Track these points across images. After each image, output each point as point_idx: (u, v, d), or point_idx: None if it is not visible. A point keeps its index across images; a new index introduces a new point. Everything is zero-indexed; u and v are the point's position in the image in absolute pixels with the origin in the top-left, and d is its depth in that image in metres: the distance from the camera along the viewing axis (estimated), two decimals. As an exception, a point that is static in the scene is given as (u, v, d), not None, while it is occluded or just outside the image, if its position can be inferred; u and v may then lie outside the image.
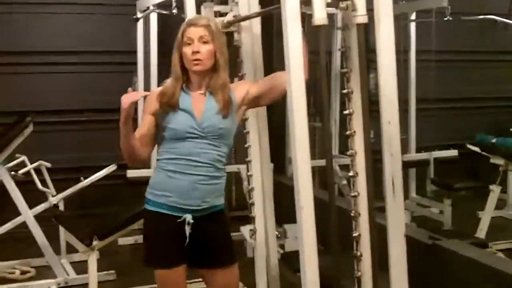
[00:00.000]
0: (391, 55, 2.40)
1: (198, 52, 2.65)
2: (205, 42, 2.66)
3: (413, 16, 5.88)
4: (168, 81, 2.75)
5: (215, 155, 2.70)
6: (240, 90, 2.81)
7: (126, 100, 2.52)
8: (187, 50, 2.67)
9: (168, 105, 2.68)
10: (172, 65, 2.75)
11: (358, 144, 2.46)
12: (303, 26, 2.38)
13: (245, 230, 3.62)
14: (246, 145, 3.42)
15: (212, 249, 2.77)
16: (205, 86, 2.73)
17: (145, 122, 2.75)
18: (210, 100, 2.71)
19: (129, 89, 2.58)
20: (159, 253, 2.73)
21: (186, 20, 2.81)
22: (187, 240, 2.68)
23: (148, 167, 4.91)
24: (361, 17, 2.37)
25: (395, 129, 2.43)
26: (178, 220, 2.67)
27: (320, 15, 2.29)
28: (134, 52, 5.83)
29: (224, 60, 2.71)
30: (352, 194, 2.50)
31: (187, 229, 2.67)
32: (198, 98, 2.72)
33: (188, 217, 2.67)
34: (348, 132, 2.48)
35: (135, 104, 2.55)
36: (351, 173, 2.50)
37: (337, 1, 2.37)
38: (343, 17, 2.46)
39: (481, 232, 4.74)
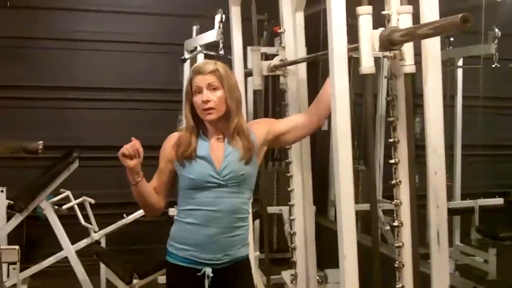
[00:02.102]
0: (439, 105, 2.34)
1: (208, 101, 2.56)
2: (214, 89, 2.57)
3: (460, 62, 5.83)
4: (183, 129, 2.67)
5: (237, 203, 2.60)
6: (260, 129, 2.71)
7: (122, 151, 2.44)
8: (197, 99, 2.59)
9: (185, 157, 2.58)
10: (184, 116, 2.69)
11: (404, 194, 2.41)
12: (348, 68, 2.34)
13: (286, 274, 3.58)
14: (289, 189, 3.40)
15: None
16: (222, 132, 2.64)
17: (161, 170, 2.67)
18: (229, 146, 2.61)
19: (132, 138, 2.48)
20: None
21: (193, 67, 2.73)
22: None
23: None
24: (409, 66, 2.33)
25: (442, 180, 2.36)
26: (198, 274, 2.57)
27: (367, 64, 2.27)
28: (181, 91, 5.90)
29: (236, 104, 2.61)
30: (396, 244, 2.43)
31: (206, 283, 2.57)
32: (216, 144, 2.63)
33: (208, 271, 2.57)
34: (393, 182, 2.42)
35: (136, 154, 2.44)
36: (395, 223, 2.43)
37: (384, 50, 2.32)
38: (390, 66, 2.41)
39: (527, 284, 4.62)
